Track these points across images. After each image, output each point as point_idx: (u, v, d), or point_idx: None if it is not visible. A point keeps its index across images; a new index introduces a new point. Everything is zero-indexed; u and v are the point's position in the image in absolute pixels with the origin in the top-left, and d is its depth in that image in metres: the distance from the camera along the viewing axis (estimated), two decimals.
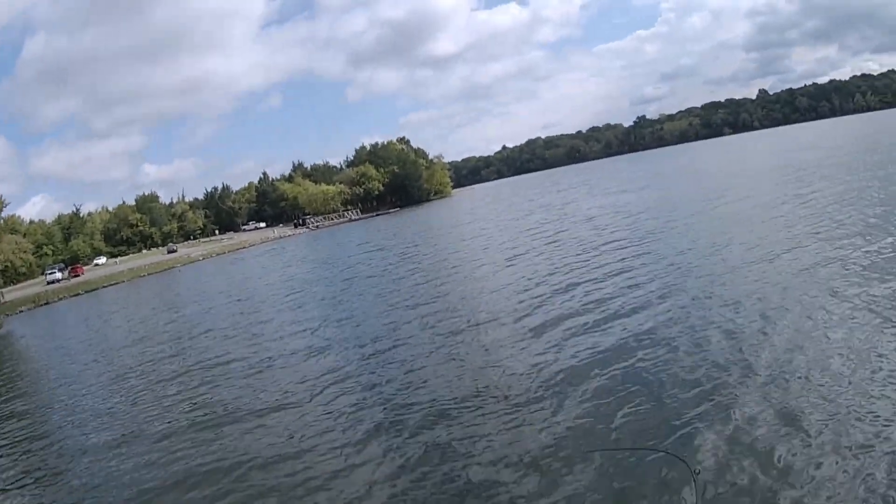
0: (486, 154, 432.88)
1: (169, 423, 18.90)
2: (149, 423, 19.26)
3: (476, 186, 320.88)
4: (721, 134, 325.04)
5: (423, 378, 17.94)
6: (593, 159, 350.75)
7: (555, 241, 42.81)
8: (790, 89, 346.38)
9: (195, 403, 20.55)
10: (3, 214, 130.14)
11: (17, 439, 20.58)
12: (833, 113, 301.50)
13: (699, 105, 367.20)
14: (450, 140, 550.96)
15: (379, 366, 20.23)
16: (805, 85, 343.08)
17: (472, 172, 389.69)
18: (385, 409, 16.02)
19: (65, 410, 23.99)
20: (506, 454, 12.02)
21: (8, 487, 16.09)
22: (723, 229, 31.85)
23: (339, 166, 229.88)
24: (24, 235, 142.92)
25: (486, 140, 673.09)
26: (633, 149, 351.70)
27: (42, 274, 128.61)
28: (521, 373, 16.49)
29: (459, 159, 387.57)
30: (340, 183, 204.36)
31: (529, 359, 17.53)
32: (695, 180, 78.01)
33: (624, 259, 30.13)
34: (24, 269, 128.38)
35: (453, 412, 14.78)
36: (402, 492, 11.54)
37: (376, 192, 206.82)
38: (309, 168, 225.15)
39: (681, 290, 21.85)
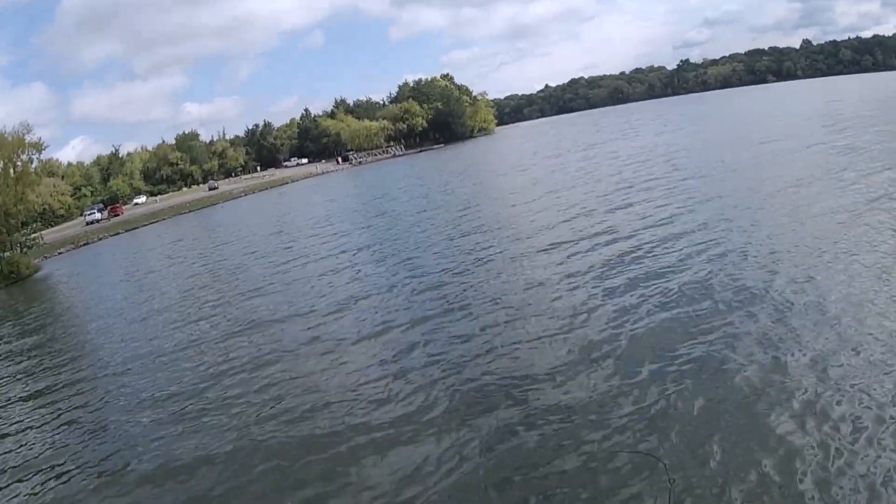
0: (528, 93, 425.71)
1: (201, 363, 19.26)
2: (184, 362, 19.69)
3: (520, 124, 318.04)
4: (765, 81, 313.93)
5: (462, 314, 18.62)
6: (636, 101, 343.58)
7: (602, 180, 41.72)
8: (833, 41, 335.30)
9: (232, 341, 20.87)
10: (41, 157, 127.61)
11: (54, 384, 20.53)
12: (876, 67, 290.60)
13: (743, 51, 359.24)
14: (492, 79, 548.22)
15: (420, 304, 20.53)
16: (849, 38, 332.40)
17: (514, 111, 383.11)
18: (421, 349, 16.39)
19: (99, 349, 24.57)
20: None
21: (49, 421, 17.05)
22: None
23: (381, 102, 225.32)
24: (62, 178, 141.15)
25: (528, 79, 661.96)
26: (675, 92, 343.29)
27: (81, 215, 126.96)
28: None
29: (502, 97, 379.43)
30: (383, 119, 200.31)
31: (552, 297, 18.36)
32: (765, 123, 75.06)
33: (671, 204, 29.14)
34: (62, 212, 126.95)
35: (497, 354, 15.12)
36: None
37: (420, 129, 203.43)
38: (351, 104, 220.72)
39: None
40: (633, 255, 21.56)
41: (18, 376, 23.14)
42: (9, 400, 20.15)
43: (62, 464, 14.28)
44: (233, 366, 18.31)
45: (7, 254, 67.77)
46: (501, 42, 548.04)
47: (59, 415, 17.55)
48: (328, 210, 62.17)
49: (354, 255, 32.83)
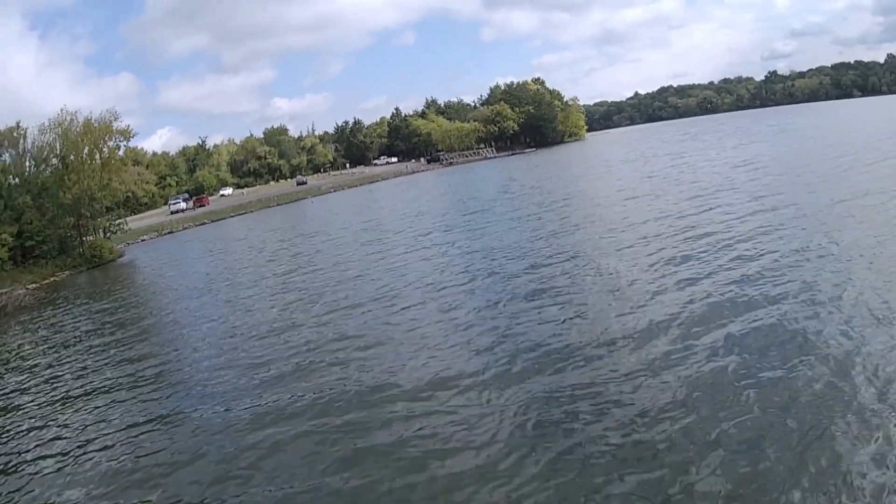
0: (617, 99, 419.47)
1: (281, 346, 19.91)
2: (262, 346, 20.32)
3: (610, 131, 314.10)
4: (850, 95, 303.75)
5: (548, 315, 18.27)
6: (725, 111, 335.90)
7: (704, 195, 37.73)
8: None
9: (313, 327, 21.50)
10: (129, 144, 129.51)
11: (137, 369, 20.83)
12: None
13: (828, 64, 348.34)
14: (581, 84, 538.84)
15: (507, 303, 20.28)
16: None
17: (603, 117, 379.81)
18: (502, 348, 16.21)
19: (178, 332, 25.76)
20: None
21: (133, 394, 18.06)
22: None
23: (472, 104, 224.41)
24: (147, 167, 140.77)
25: (617, 85, 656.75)
26: (763, 104, 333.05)
27: (165, 204, 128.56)
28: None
29: (591, 103, 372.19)
30: (474, 120, 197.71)
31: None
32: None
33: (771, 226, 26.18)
34: (146, 200, 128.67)
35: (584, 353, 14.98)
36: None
37: (511, 132, 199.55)
38: (442, 105, 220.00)
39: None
40: (718, 255, 21.94)
41: (107, 348, 24.49)
42: (97, 367, 21.81)
43: (152, 419, 15.77)
44: (318, 345, 19.23)
45: (90, 238, 68.09)
46: (591, 47, 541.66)
47: (148, 381, 19.07)
48: (420, 207, 61.63)
49: (445, 248, 33.55)
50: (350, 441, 12.63)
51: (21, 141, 74.09)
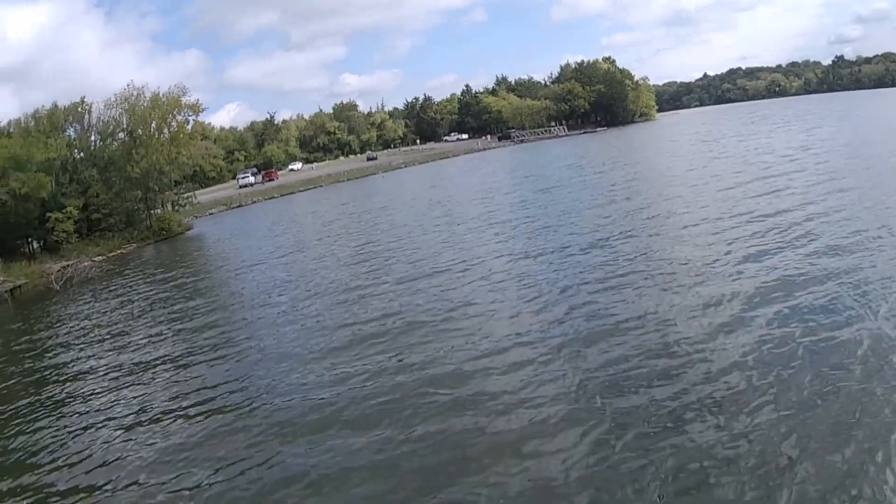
0: (686, 80, 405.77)
1: (343, 320, 20.10)
2: (336, 314, 20.96)
3: (680, 112, 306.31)
4: None
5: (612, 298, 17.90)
6: (793, 95, 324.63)
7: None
8: None
9: (385, 295, 22.06)
10: (197, 119, 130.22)
11: (205, 336, 21.46)
12: None
13: (894, 51, 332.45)
14: (650, 64, 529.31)
15: (576, 287, 19.57)
16: None
17: (672, 98, 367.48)
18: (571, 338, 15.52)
19: (248, 301, 26.15)
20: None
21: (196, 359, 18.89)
22: None
23: (542, 82, 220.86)
24: (215, 141, 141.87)
25: (685, 67, 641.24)
26: (830, 88, 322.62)
27: (233, 178, 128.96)
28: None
29: (660, 83, 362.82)
30: (545, 98, 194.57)
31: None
32: None
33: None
34: (213, 175, 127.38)
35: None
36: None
37: (582, 110, 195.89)
38: (513, 82, 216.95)
39: None
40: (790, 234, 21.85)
41: (176, 317, 25.40)
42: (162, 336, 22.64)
43: (224, 383, 16.38)
44: (390, 311, 19.75)
45: (158, 211, 68.74)
46: (660, 27, 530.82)
47: (219, 347, 19.82)
48: (491, 183, 61.06)
49: (516, 226, 32.74)
50: (428, 399, 13.19)
51: (86, 116, 74.70)
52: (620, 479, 9.61)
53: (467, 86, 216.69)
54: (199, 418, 14.43)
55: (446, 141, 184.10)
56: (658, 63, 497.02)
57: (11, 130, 62.63)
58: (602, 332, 15.36)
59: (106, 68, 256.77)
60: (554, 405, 12.05)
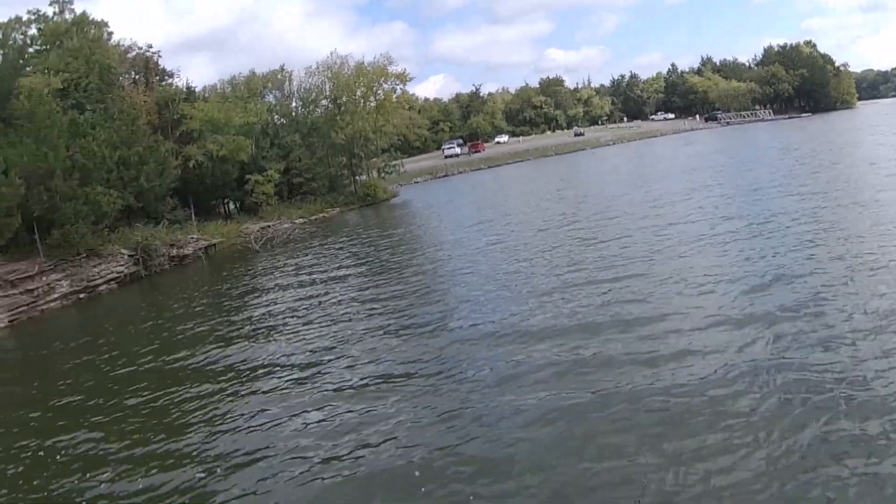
0: (883, 69, 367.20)
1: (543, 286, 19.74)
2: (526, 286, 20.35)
3: (879, 101, 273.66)
4: None
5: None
6: None
7: None
8: None
9: (593, 265, 21.41)
10: (404, 88, 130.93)
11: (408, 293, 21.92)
12: None
13: None
14: (848, 51, 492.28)
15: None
16: None
17: (870, 87, 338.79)
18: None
19: (456, 269, 25.48)
20: None
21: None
22: None
23: (746, 64, 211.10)
24: (419, 112, 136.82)
25: (882, 55, 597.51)
26: None
27: (438, 149, 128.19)
28: None
29: (858, 71, 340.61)
30: (750, 81, 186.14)
31: None
32: None
33: None
34: (418, 144, 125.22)
35: None
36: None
37: (785, 95, 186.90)
38: (717, 63, 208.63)
39: None
40: None
41: (379, 278, 25.72)
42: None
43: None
44: (594, 312, 16.91)
45: (363, 177, 69.30)
46: (858, 13, 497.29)
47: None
48: (698, 163, 56.84)
49: (728, 220, 27.66)
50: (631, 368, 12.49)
51: (286, 83, 75.81)
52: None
53: (673, 65, 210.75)
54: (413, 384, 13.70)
55: (653, 120, 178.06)
56: (856, 50, 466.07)
57: (207, 95, 62.14)
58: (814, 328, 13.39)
59: (305, 39, 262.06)
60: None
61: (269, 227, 45.17)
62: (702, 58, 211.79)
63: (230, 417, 13.28)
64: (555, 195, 45.92)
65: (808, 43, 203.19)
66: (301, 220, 49.82)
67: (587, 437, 10.25)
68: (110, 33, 51.87)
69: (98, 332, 24.51)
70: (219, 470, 11.09)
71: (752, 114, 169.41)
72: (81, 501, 10.73)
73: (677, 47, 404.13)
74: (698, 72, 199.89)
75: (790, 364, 11.72)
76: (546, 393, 11.94)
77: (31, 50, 48.17)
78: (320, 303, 22.46)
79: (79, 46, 46.04)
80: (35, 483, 11.61)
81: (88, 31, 48.53)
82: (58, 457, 12.54)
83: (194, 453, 11.89)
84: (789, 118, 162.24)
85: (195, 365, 17.39)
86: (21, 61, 45.51)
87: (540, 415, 11.15)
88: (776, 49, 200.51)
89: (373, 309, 20.28)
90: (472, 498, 9.13)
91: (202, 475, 10.96)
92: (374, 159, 69.04)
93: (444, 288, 22.31)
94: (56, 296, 31.36)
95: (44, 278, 31.23)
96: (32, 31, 47.84)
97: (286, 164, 58.51)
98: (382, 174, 70.93)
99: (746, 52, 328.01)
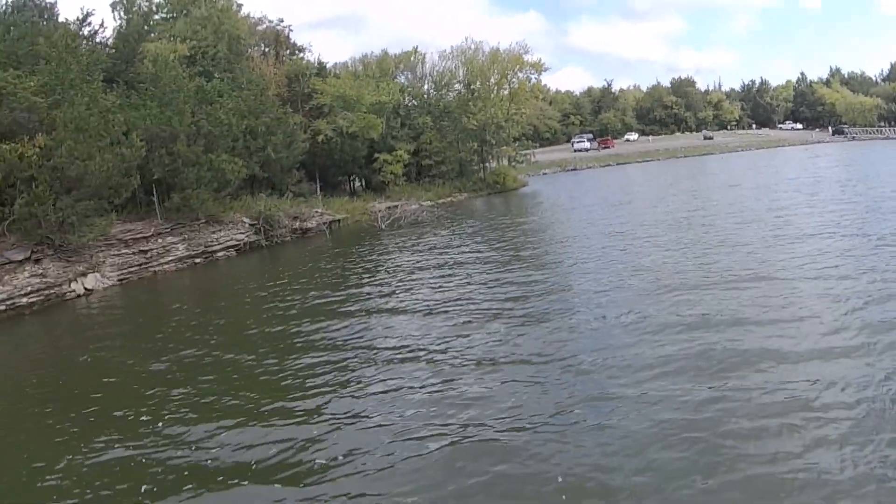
0: None
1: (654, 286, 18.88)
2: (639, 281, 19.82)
3: None
4: None
5: None
6: None
7: None
8: None
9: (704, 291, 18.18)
10: (538, 78, 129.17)
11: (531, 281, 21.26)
12: None
13: None
14: None
15: None
16: None
17: None
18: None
19: (582, 260, 24.72)
20: None
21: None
22: None
23: (873, 79, 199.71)
24: (550, 103, 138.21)
25: None
26: None
27: (567, 141, 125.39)
28: None
29: None
30: (877, 96, 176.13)
31: None
32: None
33: None
34: (547, 135, 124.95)
35: None
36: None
37: None
38: (846, 75, 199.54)
39: None
40: None
41: (500, 264, 25.04)
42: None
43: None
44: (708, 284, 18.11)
45: (493, 164, 67.91)
46: None
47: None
48: (824, 175, 52.70)
49: (853, 238, 24.34)
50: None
51: (419, 65, 74.14)
52: None
53: (802, 73, 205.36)
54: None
55: (781, 128, 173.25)
56: None
57: (338, 72, 61.24)
58: None
59: (439, 23, 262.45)
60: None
61: (396, 206, 43.94)
62: (830, 69, 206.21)
63: (351, 382, 13.38)
64: (687, 195, 44.68)
65: None
66: (428, 203, 47.97)
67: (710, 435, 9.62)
68: (240, 5, 52.02)
69: (208, 296, 25.45)
70: (337, 428, 11.32)
71: (877, 130, 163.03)
72: (210, 447, 10.94)
73: (805, 56, 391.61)
74: (826, 83, 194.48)
75: None
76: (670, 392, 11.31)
77: (156, 17, 48.09)
78: (444, 285, 21.72)
79: (207, 15, 45.91)
80: (174, 429, 11.79)
81: (217, 1, 48.53)
82: (174, 409, 12.79)
83: (312, 412, 12.08)
84: None
85: (313, 335, 17.15)
86: (146, 27, 45.49)
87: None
88: None
89: (497, 294, 19.61)
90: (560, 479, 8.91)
91: (317, 433, 11.19)
92: (505, 147, 67.40)
93: (571, 280, 21.34)
94: (171, 258, 31.00)
95: (159, 240, 30.89)
96: None
97: (416, 145, 57.22)
98: (513, 163, 69.19)
99: (873, 65, 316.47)
